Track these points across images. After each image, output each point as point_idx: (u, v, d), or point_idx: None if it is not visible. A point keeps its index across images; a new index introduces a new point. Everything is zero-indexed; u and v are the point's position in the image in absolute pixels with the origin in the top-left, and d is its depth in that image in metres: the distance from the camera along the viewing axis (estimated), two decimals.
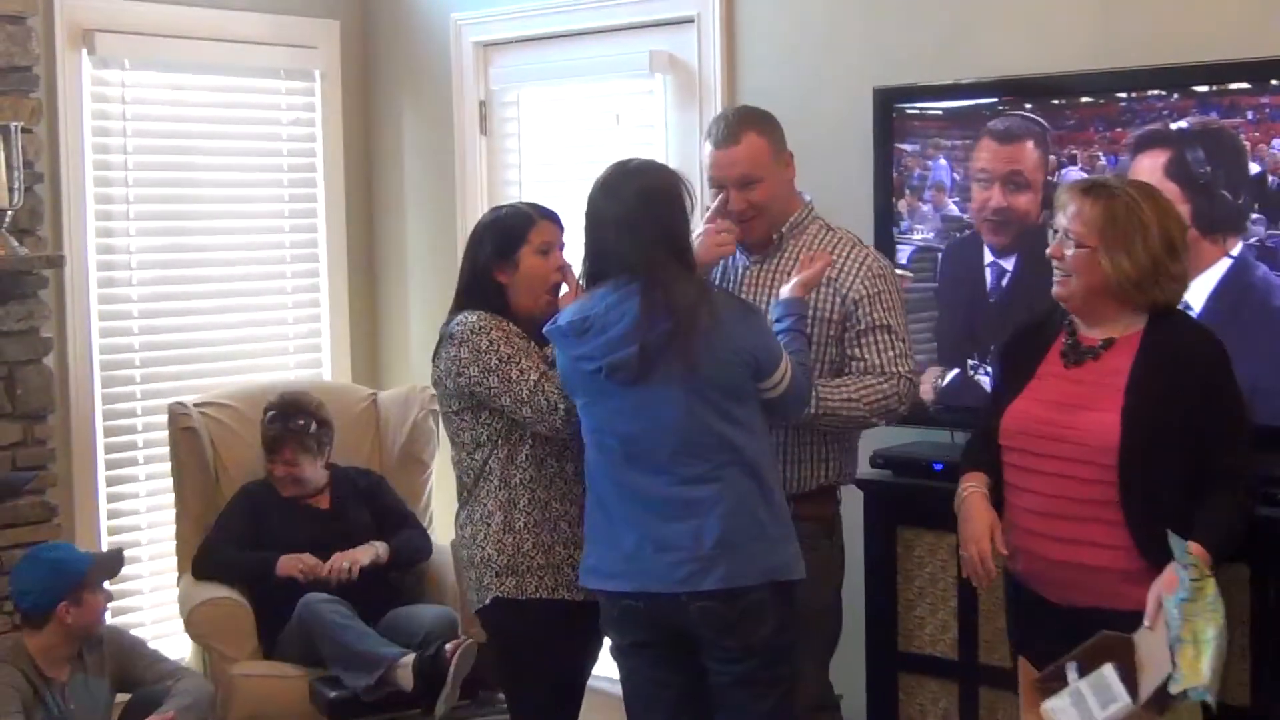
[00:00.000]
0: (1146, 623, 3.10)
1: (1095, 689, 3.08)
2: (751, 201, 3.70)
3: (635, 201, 3.31)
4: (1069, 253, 3.24)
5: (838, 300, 3.66)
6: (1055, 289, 3.30)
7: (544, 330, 3.42)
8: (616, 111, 5.15)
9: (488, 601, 3.57)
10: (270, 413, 4.84)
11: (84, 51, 5.04)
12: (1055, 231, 3.31)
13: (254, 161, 5.60)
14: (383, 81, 5.84)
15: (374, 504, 4.91)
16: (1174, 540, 3.06)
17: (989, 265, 4.11)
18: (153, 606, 5.23)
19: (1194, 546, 3.05)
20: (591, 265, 3.38)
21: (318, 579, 4.58)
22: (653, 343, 3.21)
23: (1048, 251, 3.31)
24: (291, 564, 4.61)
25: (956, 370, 4.19)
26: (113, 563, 4.44)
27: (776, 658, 3.36)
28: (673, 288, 3.23)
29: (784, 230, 3.76)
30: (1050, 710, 3.13)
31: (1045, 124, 3.98)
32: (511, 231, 3.58)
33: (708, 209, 3.73)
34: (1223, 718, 3.50)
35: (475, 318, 3.51)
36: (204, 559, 4.73)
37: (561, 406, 3.40)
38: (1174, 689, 3.02)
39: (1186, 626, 3.03)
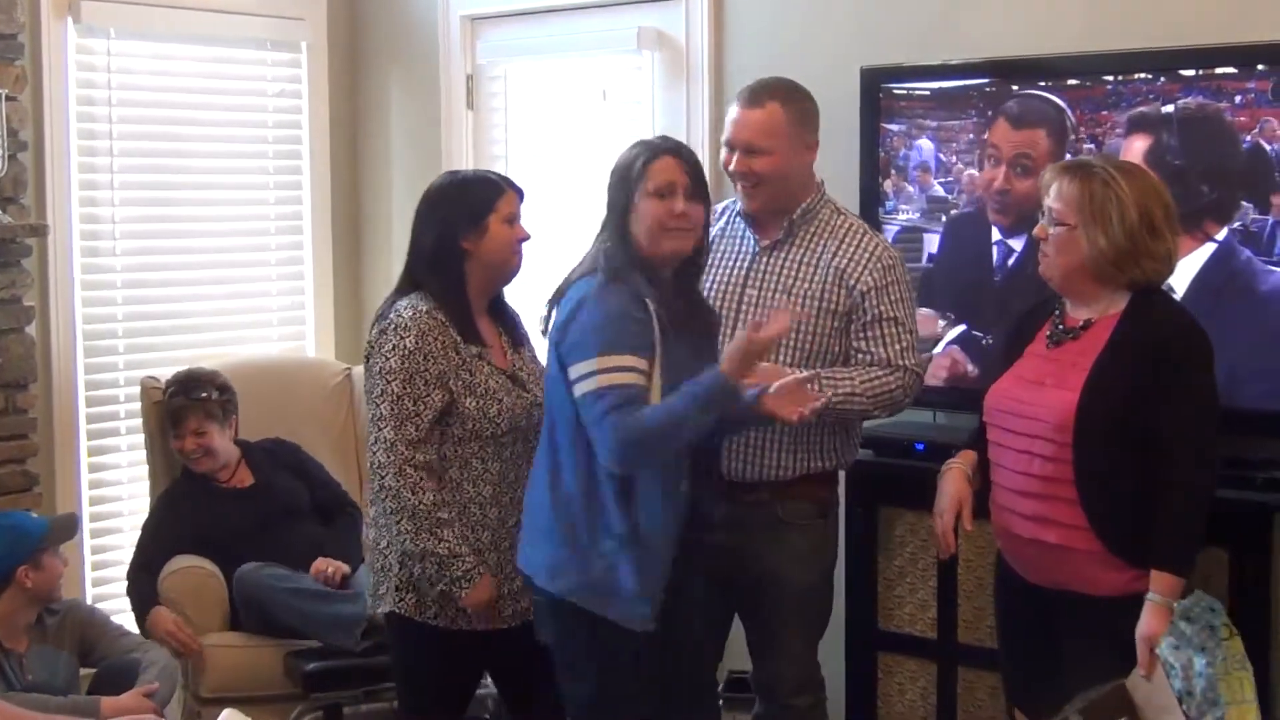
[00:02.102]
0: (1141, 671, 3.09)
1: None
2: (753, 168, 3.67)
3: None
4: (1052, 232, 3.24)
5: (843, 292, 3.63)
6: (1040, 267, 3.32)
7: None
8: (604, 87, 5.14)
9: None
10: (170, 389, 4.77)
11: (69, 20, 5.01)
12: (1042, 212, 3.32)
13: (239, 133, 5.58)
14: (369, 54, 5.82)
15: (305, 479, 4.86)
16: (1199, 595, 3.10)
17: (996, 244, 4.10)
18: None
19: (1162, 580, 3.06)
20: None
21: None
22: None
23: (1034, 231, 3.33)
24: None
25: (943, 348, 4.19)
26: (67, 526, 4.44)
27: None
28: None
29: (795, 218, 3.71)
30: None
31: (1065, 107, 3.95)
32: (482, 198, 3.52)
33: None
34: None
35: (411, 313, 3.44)
36: (134, 580, 4.61)
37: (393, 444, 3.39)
38: None
39: (1226, 683, 3.06)
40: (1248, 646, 3.36)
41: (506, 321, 3.63)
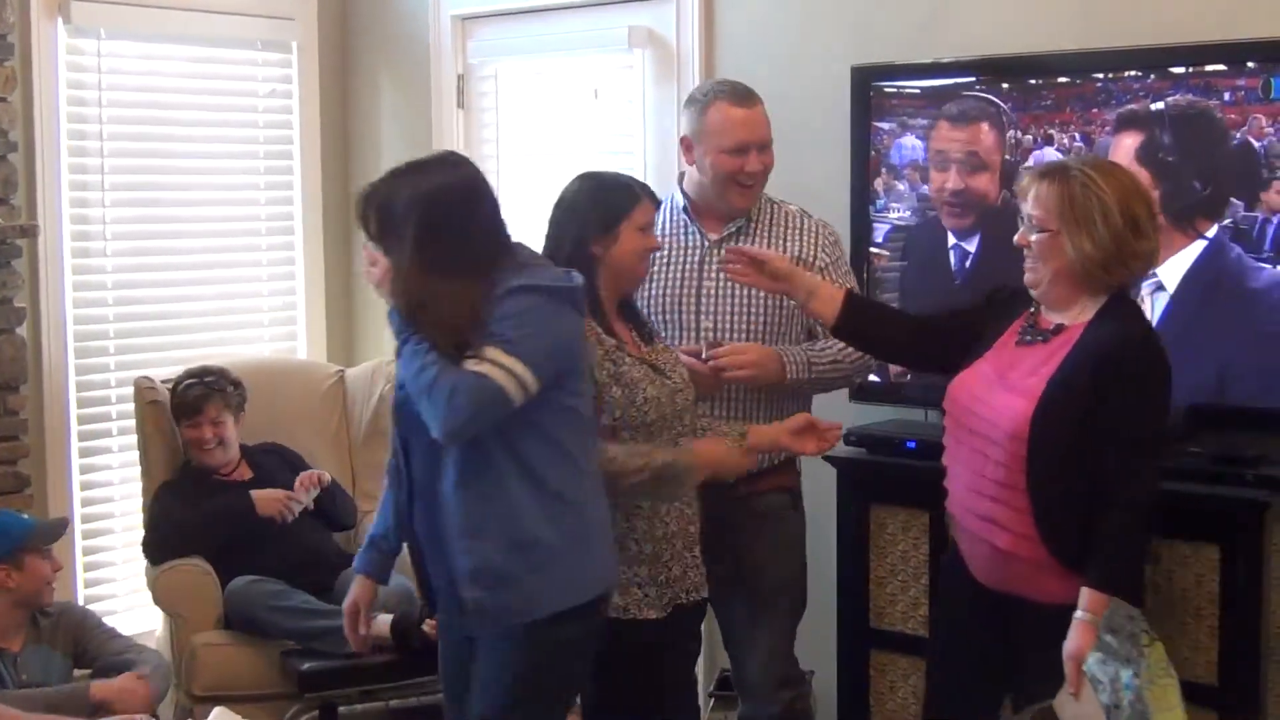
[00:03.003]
0: (1069, 689, 3.07)
1: None
2: (766, 165, 3.76)
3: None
4: (1034, 238, 3.20)
5: (793, 260, 3.71)
6: (1026, 276, 3.25)
7: (570, 290, 3.19)
8: (595, 86, 5.14)
9: None
10: (186, 379, 4.79)
11: (59, 20, 5.00)
12: (1022, 219, 3.27)
13: (230, 133, 5.57)
14: (360, 54, 5.81)
15: (300, 472, 4.88)
16: (1116, 604, 3.07)
17: (952, 248, 4.11)
18: (125, 579, 5.21)
19: (1093, 599, 3.03)
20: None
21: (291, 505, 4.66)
22: None
23: (1015, 239, 3.26)
24: (271, 503, 4.61)
25: None
26: (55, 528, 4.43)
27: None
28: None
29: (752, 211, 3.80)
30: None
31: (1000, 104, 3.98)
32: (616, 205, 3.43)
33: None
34: (1192, 698, 3.53)
35: None
36: (158, 536, 4.65)
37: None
38: None
39: (1151, 692, 3.05)
40: (1236, 643, 3.38)
41: (636, 318, 3.57)
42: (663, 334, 3.69)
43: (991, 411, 3.19)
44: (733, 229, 3.79)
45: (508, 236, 3.25)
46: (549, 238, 3.46)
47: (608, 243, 3.37)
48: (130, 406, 4.96)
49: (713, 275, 3.75)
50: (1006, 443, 3.13)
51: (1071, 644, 3.04)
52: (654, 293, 3.81)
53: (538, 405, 3.10)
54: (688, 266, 3.80)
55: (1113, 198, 3.11)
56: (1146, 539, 3.17)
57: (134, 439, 4.94)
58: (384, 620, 4.29)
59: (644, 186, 3.50)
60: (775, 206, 3.85)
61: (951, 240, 4.12)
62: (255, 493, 4.62)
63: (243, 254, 5.65)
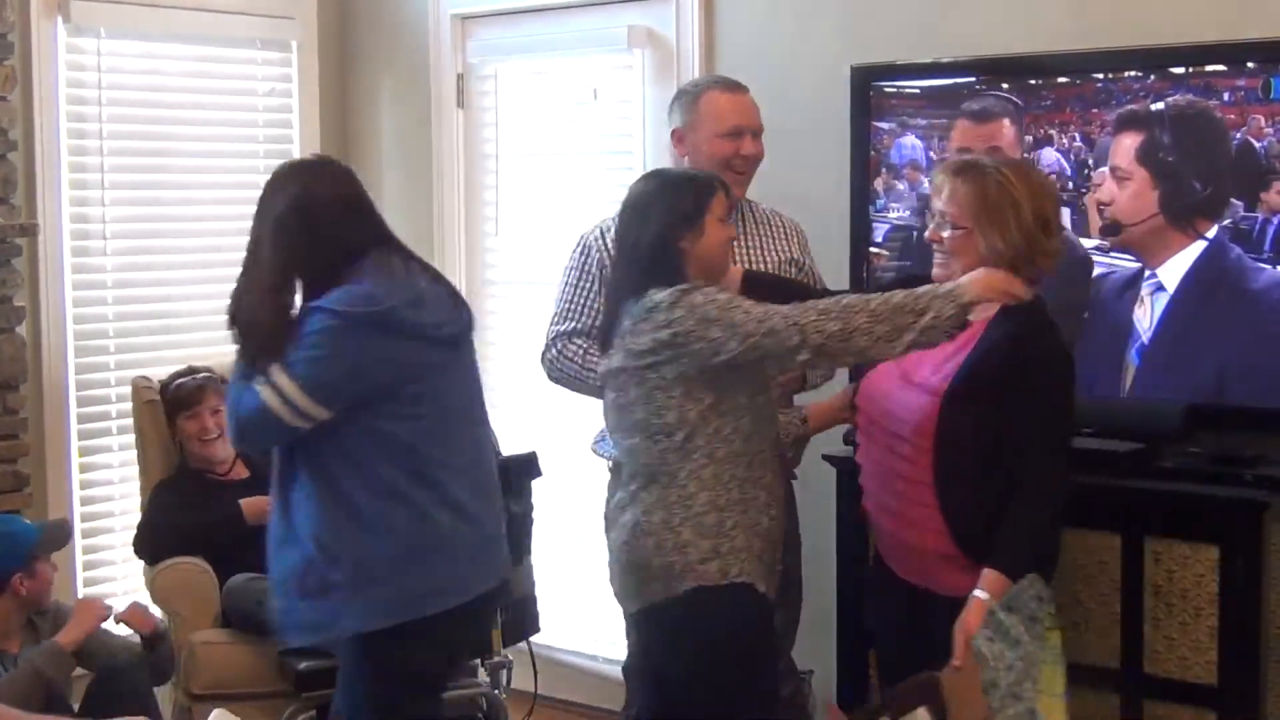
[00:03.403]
0: (956, 662, 3.08)
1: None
2: (758, 153, 3.84)
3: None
4: (945, 235, 3.21)
5: (794, 271, 3.86)
6: (935, 271, 3.25)
7: (372, 315, 3.19)
8: (594, 86, 5.14)
9: (681, 592, 3.23)
10: (177, 379, 4.77)
11: (59, 19, 5.00)
12: (933, 216, 3.28)
13: (230, 132, 5.57)
14: (360, 53, 5.81)
15: None
16: (1031, 583, 3.11)
17: None
18: (124, 578, 5.21)
19: (993, 580, 3.05)
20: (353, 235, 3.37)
21: None
22: (466, 314, 3.40)
23: (926, 235, 3.29)
24: (260, 512, 4.49)
25: None
26: (60, 532, 4.43)
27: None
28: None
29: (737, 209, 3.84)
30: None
31: (1019, 101, 3.98)
32: (697, 198, 3.37)
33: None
34: (1191, 698, 3.53)
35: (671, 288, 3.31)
36: (150, 537, 4.63)
37: (797, 321, 3.12)
38: None
39: (1040, 673, 3.06)
40: (1236, 643, 3.38)
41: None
42: None
43: (899, 409, 3.22)
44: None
45: (356, 249, 3.27)
46: (622, 239, 3.40)
47: (694, 237, 3.32)
48: (130, 405, 4.96)
49: None
50: (914, 439, 3.17)
51: (962, 620, 3.08)
52: None
53: (342, 428, 3.14)
54: None
55: (1025, 196, 3.14)
56: (1053, 529, 3.16)
57: (133, 438, 4.93)
58: None
59: (714, 176, 3.48)
60: (751, 205, 3.91)
61: None
62: (244, 501, 4.58)
63: (242, 253, 5.61)
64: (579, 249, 4.00)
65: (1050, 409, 3.12)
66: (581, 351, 3.87)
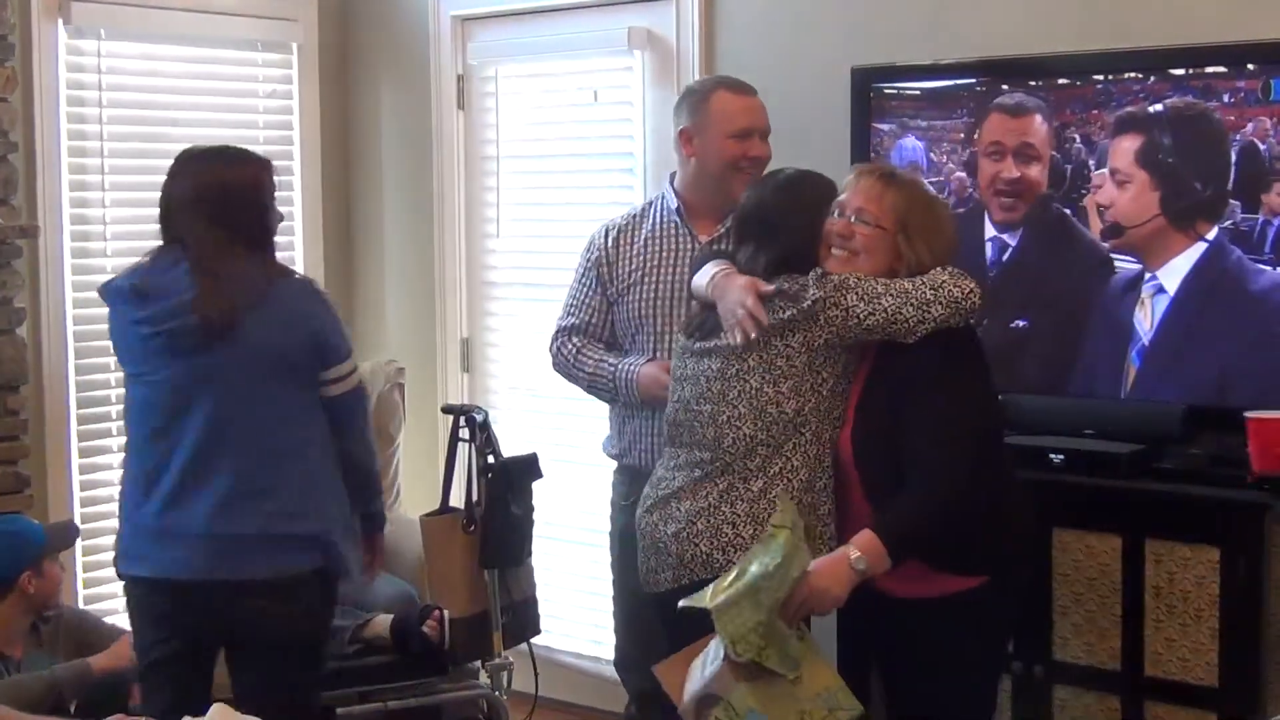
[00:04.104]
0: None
1: (714, 649, 3.06)
2: (767, 154, 3.85)
3: (212, 187, 3.55)
4: (865, 230, 3.23)
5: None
6: (832, 264, 3.25)
7: (99, 290, 3.62)
8: (595, 88, 5.13)
9: None
10: None
11: (60, 20, 5.00)
12: (841, 211, 3.28)
13: (230, 134, 5.54)
14: (361, 55, 5.81)
15: None
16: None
17: (990, 240, 4.10)
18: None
19: (867, 541, 3.04)
20: (162, 228, 3.61)
21: None
22: (214, 315, 3.40)
23: (835, 229, 3.28)
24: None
25: None
26: (67, 533, 4.45)
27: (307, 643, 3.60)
28: (227, 265, 3.45)
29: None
30: (689, 670, 3.12)
31: (1048, 99, 3.97)
32: (831, 191, 3.40)
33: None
34: (1192, 699, 3.53)
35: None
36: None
37: (970, 282, 3.19)
38: (681, 602, 3.06)
39: (742, 563, 3.05)
40: (1237, 644, 3.38)
41: None
42: (652, 336, 3.83)
43: None
44: (722, 229, 3.82)
45: (167, 238, 3.58)
46: (774, 245, 3.34)
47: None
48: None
49: None
50: (843, 466, 3.24)
51: (826, 564, 3.05)
52: (645, 295, 3.88)
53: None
54: (679, 269, 3.84)
55: (948, 220, 3.34)
56: (942, 524, 3.11)
57: None
58: (383, 621, 4.29)
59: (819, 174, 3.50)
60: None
61: (990, 232, 4.08)
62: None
63: None
64: (586, 247, 4.07)
65: (945, 390, 3.13)
66: (574, 350, 3.97)
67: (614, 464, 4.08)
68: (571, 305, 4.05)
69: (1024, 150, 4.01)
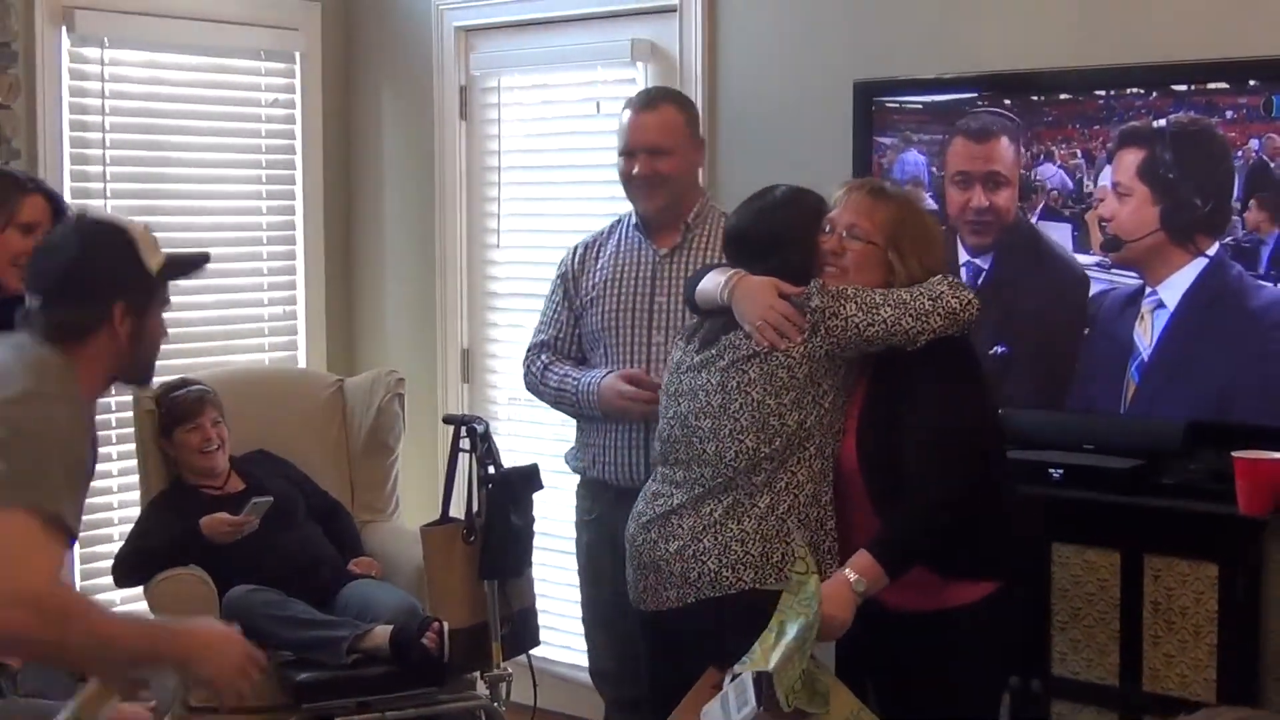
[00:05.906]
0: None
1: (736, 692, 3.00)
2: (658, 170, 3.88)
3: None
4: (856, 246, 3.23)
5: None
6: (824, 281, 3.24)
7: None
8: (597, 99, 5.14)
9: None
10: (173, 391, 4.73)
11: (63, 29, 5.01)
12: (832, 228, 3.27)
13: (232, 143, 5.58)
14: (363, 65, 5.82)
15: (297, 485, 4.85)
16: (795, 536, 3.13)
17: (964, 265, 4.11)
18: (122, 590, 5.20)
19: (860, 558, 3.03)
20: None
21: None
22: None
23: (826, 246, 3.27)
24: (217, 524, 4.51)
25: None
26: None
27: None
28: None
29: (690, 220, 3.92)
30: (704, 714, 3.06)
31: (1017, 119, 3.99)
32: (823, 205, 3.38)
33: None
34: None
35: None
36: (123, 561, 4.61)
37: (968, 293, 3.19)
38: (738, 669, 2.99)
39: (776, 617, 2.99)
40: (1234, 661, 3.37)
41: None
42: (614, 349, 3.90)
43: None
44: (678, 240, 3.92)
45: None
46: (767, 269, 3.32)
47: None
48: (130, 415, 4.96)
49: (664, 290, 3.87)
50: (847, 478, 3.23)
51: (830, 592, 3.00)
52: (606, 308, 3.95)
53: None
54: (639, 281, 3.93)
55: (938, 236, 3.36)
56: (938, 536, 3.09)
57: (133, 448, 4.93)
58: (383, 632, 4.29)
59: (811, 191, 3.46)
60: (719, 216, 3.92)
61: (964, 257, 4.10)
62: (204, 520, 4.53)
63: (244, 263, 5.65)
64: (558, 264, 4.17)
65: (937, 403, 3.11)
66: (541, 367, 4.06)
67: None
68: (542, 322, 4.13)
69: (992, 178, 4.02)
